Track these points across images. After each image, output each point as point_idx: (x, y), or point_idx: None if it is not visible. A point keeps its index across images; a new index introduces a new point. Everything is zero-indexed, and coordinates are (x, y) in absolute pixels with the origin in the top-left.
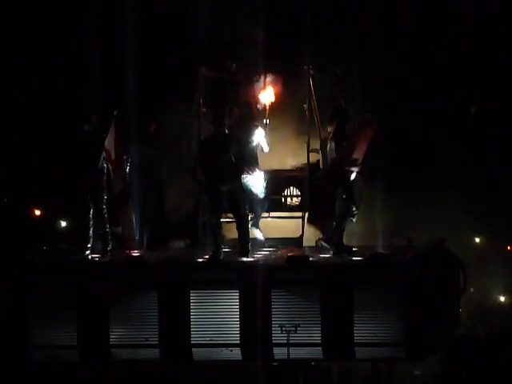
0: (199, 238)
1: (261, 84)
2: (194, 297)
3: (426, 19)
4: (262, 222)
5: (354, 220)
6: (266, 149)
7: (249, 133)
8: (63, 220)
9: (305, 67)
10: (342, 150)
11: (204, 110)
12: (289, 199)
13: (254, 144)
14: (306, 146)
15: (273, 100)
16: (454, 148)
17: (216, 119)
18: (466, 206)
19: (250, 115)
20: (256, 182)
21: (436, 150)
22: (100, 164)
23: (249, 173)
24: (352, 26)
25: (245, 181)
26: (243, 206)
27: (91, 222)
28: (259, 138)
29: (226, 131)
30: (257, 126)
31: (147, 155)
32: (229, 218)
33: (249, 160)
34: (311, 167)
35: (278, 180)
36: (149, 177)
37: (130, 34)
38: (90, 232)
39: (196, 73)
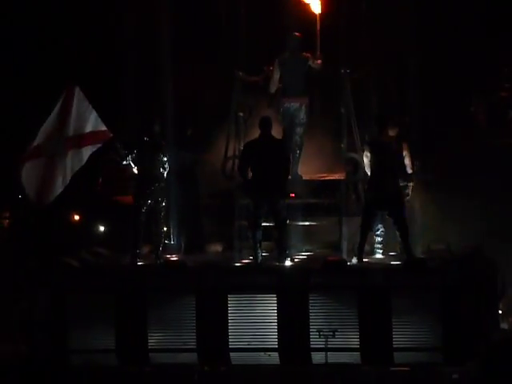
0: (236, 241)
1: None
2: (231, 301)
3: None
4: (299, 226)
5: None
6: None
7: (301, 63)
8: (102, 225)
9: (342, 70)
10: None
11: (241, 113)
12: (326, 203)
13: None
14: (343, 150)
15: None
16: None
17: (261, 122)
18: (504, 210)
19: (298, 47)
20: None
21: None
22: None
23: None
24: (389, 27)
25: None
26: (284, 209)
27: (141, 227)
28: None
29: (272, 134)
30: (308, 57)
31: (184, 160)
32: (268, 222)
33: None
34: (349, 171)
35: (315, 184)
36: (186, 181)
37: (166, 39)
38: (141, 237)
39: (233, 76)
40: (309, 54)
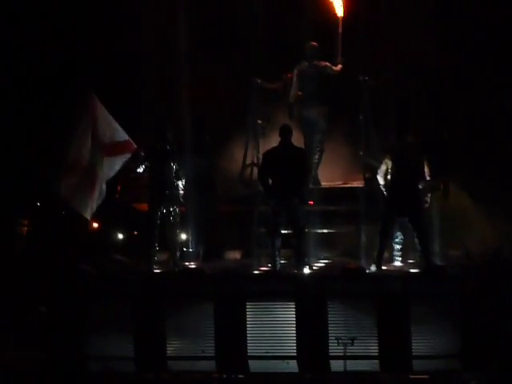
0: (254, 249)
1: None
2: (250, 308)
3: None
4: (318, 233)
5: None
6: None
7: (319, 72)
8: (120, 232)
9: (360, 77)
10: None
11: (259, 121)
12: (344, 210)
13: None
14: (361, 157)
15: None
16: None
17: (281, 130)
18: None
19: (315, 56)
20: None
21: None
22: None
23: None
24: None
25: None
26: (303, 217)
27: (157, 234)
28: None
29: (293, 142)
30: (326, 66)
31: (202, 166)
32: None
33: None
34: (367, 179)
35: (334, 192)
36: (204, 188)
37: (182, 46)
38: (155, 244)
39: (251, 83)
40: (327, 63)
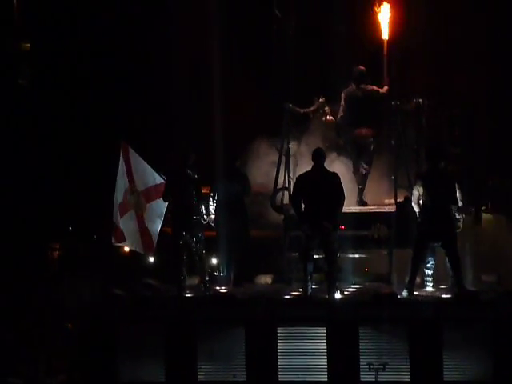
0: (286, 273)
1: None
2: (281, 333)
3: None
4: (350, 258)
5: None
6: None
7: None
8: (152, 256)
9: (392, 102)
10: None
11: (290, 145)
12: (376, 235)
13: None
14: (394, 182)
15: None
16: None
17: (314, 154)
18: None
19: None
20: None
21: None
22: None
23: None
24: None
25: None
26: (335, 242)
27: (184, 259)
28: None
29: (325, 166)
30: (373, 89)
31: (233, 191)
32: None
33: None
34: (399, 204)
35: (366, 216)
36: (235, 212)
37: (216, 70)
38: (183, 269)
39: (283, 108)
40: (373, 86)
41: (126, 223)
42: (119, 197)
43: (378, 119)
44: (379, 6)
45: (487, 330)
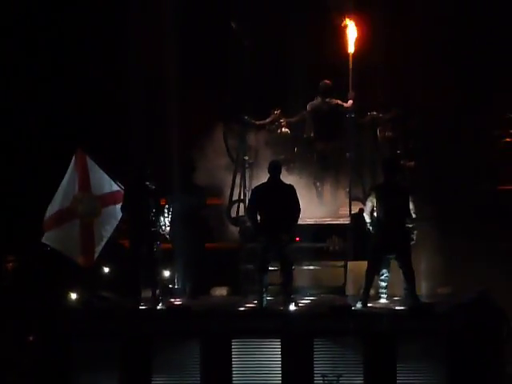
0: (241, 285)
1: None
2: (236, 346)
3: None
4: (305, 270)
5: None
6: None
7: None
8: (107, 268)
9: (347, 116)
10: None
11: (246, 157)
12: (331, 247)
13: None
14: (348, 194)
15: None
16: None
17: (270, 166)
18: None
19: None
20: None
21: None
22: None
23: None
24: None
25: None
26: (291, 254)
27: (140, 271)
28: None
29: (281, 178)
30: (338, 104)
31: (189, 204)
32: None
33: None
34: (354, 216)
35: (321, 228)
36: (191, 224)
37: (170, 80)
38: (139, 282)
39: (239, 120)
40: (338, 100)
41: (68, 232)
42: (64, 202)
43: (343, 133)
44: (342, 21)
45: (441, 342)
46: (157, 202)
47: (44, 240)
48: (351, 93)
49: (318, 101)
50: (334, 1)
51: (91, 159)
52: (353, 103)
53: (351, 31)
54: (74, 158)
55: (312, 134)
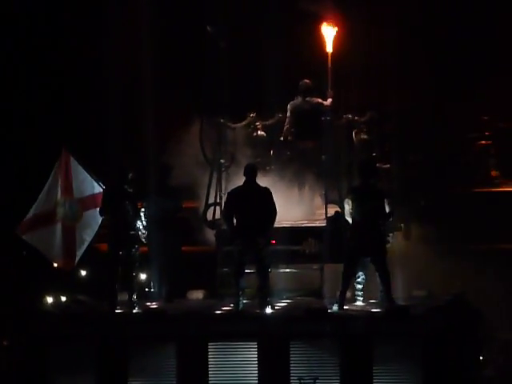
0: (217, 289)
1: None
2: (212, 349)
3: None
4: (281, 272)
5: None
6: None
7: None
8: (83, 272)
9: (323, 118)
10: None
11: (223, 160)
12: (307, 250)
13: None
14: (324, 197)
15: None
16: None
17: (246, 169)
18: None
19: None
20: None
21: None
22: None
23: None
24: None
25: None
26: (267, 256)
27: (118, 274)
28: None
29: (257, 181)
30: (318, 102)
31: (166, 207)
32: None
33: None
34: (330, 219)
35: (297, 231)
36: (167, 228)
37: (147, 84)
38: (116, 285)
39: (216, 123)
40: (319, 99)
41: (49, 235)
42: (45, 206)
43: (323, 132)
44: (320, 23)
45: (417, 344)
46: (135, 206)
47: (28, 240)
48: (330, 91)
49: (298, 100)
50: (310, 2)
51: (75, 160)
52: (332, 101)
53: (329, 32)
54: (58, 160)
55: (291, 134)
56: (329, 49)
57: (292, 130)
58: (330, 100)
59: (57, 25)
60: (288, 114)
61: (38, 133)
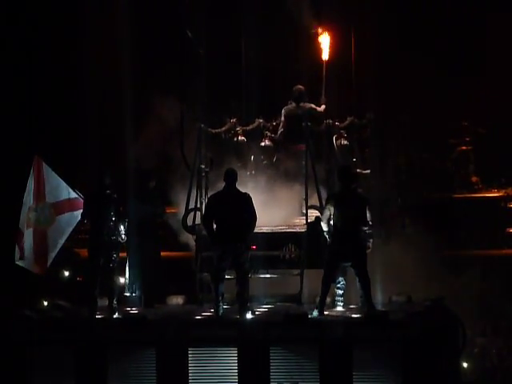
0: (197, 294)
1: None
2: (192, 354)
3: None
4: (261, 278)
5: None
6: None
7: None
8: (63, 277)
9: (303, 124)
10: None
11: (202, 165)
12: (287, 255)
13: None
14: (304, 202)
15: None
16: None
17: (226, 174)
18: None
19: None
20: None
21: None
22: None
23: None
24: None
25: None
26: (247, 262)
27: (98, 279)
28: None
29: (237, 187)
30: (311, 108)
31: (146, 212)
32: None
33: None
34: (310, 224)
35: (277, 236)
36: (147, 233)
37: (127, 89)
38: (96, 290)
39: (196, 129)
40: (312, 105)
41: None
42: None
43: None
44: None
45: (397, 350)
46: (117, 211)
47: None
48: (323, 98)
49: (292, 105)
50: (296, 10)
51: (48, 166)
52: (325, 108)
53: (325, 39)
54: (32, 167)
55: (285, 137)
56: (324, 56)
57: (285, 133)
58: (323, 106)
59: (31, 26)
60: (282, 118)
61: (10, 139)
